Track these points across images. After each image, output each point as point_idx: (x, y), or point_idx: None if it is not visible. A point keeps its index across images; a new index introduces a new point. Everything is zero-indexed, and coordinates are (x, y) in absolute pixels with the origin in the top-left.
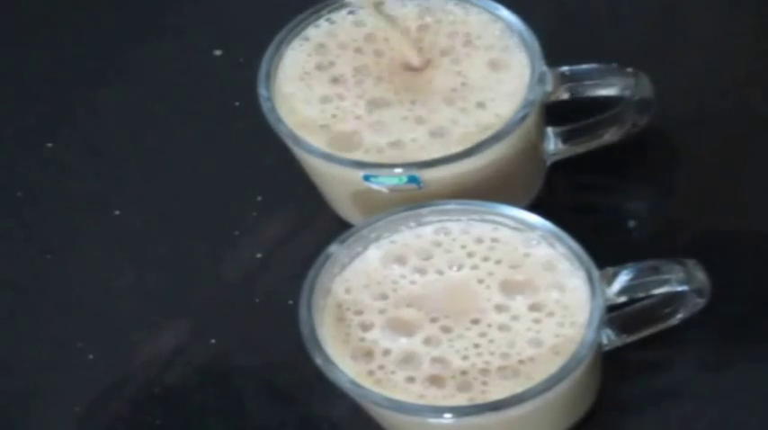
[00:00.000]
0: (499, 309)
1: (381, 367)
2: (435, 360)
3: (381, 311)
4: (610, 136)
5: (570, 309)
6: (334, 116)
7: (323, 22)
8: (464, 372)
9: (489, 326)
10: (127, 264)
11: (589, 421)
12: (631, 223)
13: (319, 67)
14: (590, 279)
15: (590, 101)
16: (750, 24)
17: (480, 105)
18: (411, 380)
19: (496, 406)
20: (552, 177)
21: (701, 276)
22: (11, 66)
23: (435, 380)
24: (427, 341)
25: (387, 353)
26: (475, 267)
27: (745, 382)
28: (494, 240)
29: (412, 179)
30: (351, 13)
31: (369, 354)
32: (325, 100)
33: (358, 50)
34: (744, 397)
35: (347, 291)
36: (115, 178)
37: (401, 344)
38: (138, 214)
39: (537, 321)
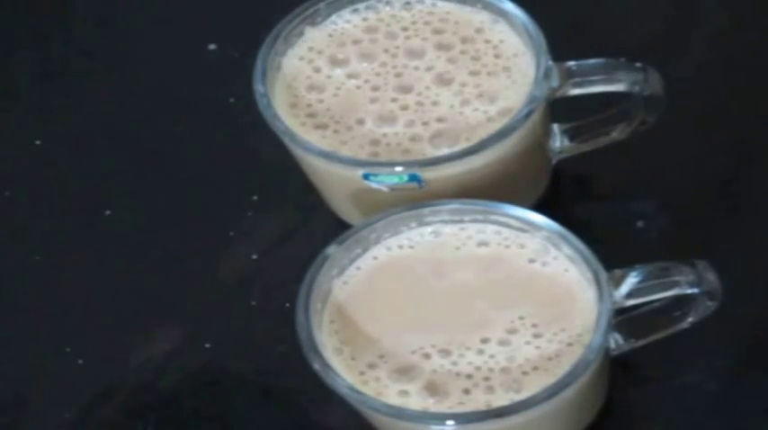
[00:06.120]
0: (504, 312)
1: (377, 379)
2: (435, 370)
3: (380, 318)
4: (618, 133)
5: (577, 313)
6: (331, 113)
7: (320, 16)
8: (466, 388)
9: (493, 330)
10: (118, 266)
11: (596, 428)
12: (640, 223)
13: (317, 63)
14: (597, 281)
15: (597, 97)
16: (761, 19)
17: (484, 101)
18: (405, 393)
19: (500, 412)
20: (558, 176)
21: (712, 278)
22: None
23: (434, 391)
24: (427, 347)
25: (385, 361)
26: (479, 270)
27: (757, 388)
28: (498, 243)
29: (413, 178)
30: (350, 5)
31: (368, 364)
32: (323, 96)
33: (358, 44)
34: (756, 402)
35: (346, 293)
36: (106, 177)
37: (399, 354)
38: (129, 214)
39: (543, 325)
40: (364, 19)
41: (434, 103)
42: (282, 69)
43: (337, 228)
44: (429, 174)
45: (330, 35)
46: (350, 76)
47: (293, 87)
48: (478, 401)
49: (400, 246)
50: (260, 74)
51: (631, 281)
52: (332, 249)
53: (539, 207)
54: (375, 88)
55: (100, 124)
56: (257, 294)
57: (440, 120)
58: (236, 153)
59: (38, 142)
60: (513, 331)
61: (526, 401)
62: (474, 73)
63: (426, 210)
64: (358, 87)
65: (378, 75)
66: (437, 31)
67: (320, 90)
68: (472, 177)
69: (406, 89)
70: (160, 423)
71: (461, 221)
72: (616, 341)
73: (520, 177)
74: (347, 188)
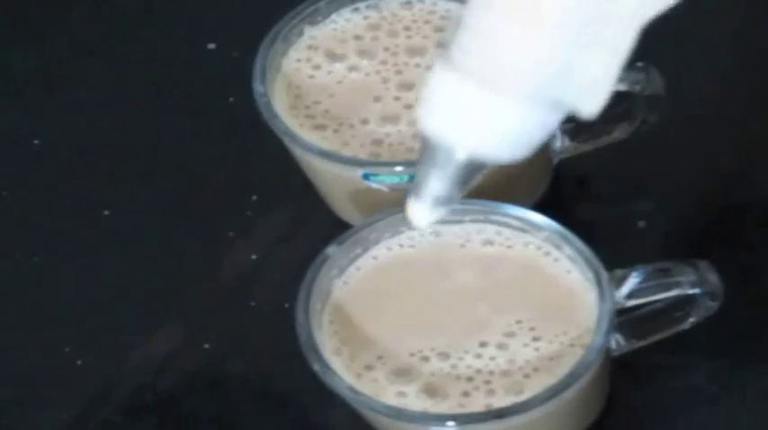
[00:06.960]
0: (504, 314)
1: (374, 380)
2: (433, 373)
3: (380, 319)
4: (619, 133)
5: (578, 313)
6: (331, 113)
7: (321, 15)
8: (465, 391)
9: (492, 333)
10: (117, 266)
11: (597, 428)
12: (641, 223)
13: (316, 61)
14: (598, 281)
15: None
16: (763, 19)
17: None
18: (403, 394)
19: (501, 413)
20: (559, 176)
21: (713, 278)
22: None
23: (433, 393)
24: (426, 350)
25: (383, 363)
26: (480, 271)
27: (758, 388)
28: (499, 244)
29: (413, 178)
30: (350, 4)
31: (366, 365)
32: (323, 96)
33: (358, 42)
34: (757, 403)
35: (346, 294)
36: (104, 177)
37: (398, 356)
38: (128, 214)
39: (543, 326)
40: (365, 18)
41: None
42: (282, 69)
43: (337, 228)
44: None
45: (330, 34)
46: (350, 74)
47: (293, 87)
48: (479, 403)
49: (401, 246)
50: (260, 74)
51: (633, 281)
52: (332, 249)
53: (539, 207)
54: (376, 86)
55: (100, 124)
56: (257, 294)
57: None
58: (236, 153)
59: (37, 142)
60: (511, 334)
61: (527, 402)
62: None
63: None
64: (359, 84)
65: (378, 72)
66: (438, 30)
67: (320, 90)
68: None
69: (407, 87)
70: (159, 423)
71: (462, 221)
72: (617, 341)
73: (520, 177)
74: (347, 188)
